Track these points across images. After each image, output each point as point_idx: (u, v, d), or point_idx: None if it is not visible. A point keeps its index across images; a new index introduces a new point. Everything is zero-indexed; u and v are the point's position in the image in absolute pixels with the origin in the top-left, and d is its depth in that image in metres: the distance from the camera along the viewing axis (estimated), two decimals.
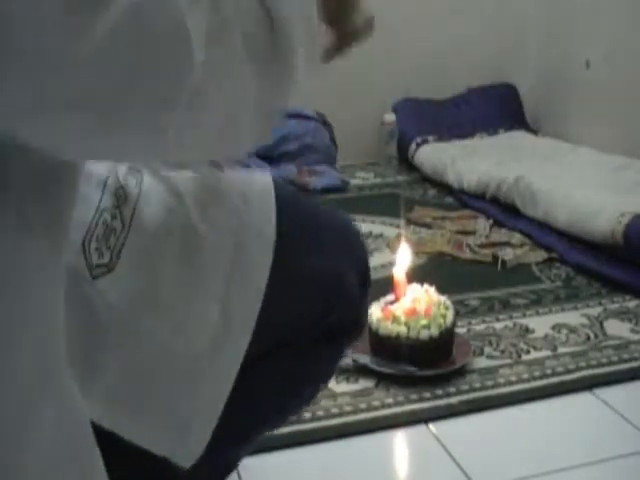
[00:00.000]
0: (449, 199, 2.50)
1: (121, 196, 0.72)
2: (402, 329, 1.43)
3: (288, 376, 0.86)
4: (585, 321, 1.67)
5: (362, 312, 0.92)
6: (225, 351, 0.74)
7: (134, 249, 0.71)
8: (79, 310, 0.67)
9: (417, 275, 1.62)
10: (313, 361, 0.88)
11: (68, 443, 0.56)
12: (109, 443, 0.65)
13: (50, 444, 0.53)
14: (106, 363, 0.70)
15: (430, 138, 2.76)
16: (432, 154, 2.66)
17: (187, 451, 0.74)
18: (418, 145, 2.73)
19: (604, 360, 1.50)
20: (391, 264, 1.57)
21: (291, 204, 0.83)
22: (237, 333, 0.75)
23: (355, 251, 0.88)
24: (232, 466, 0.95)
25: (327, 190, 2.53)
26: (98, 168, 0.71)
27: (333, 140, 2.74)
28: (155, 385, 0.73)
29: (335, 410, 1.34)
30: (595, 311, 1.72)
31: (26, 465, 0.51)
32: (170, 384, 0.73)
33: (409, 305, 1.46)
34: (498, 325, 1.66)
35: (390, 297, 1.50)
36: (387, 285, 1.54)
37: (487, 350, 1.55)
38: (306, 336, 0.84)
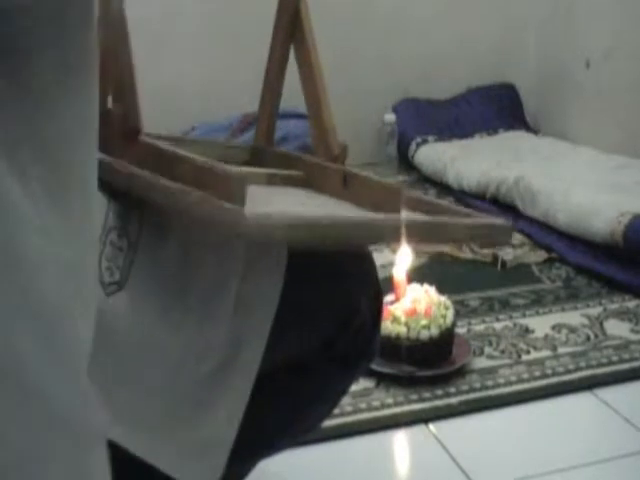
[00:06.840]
0: (449, 199, 2.49)
1: (124, 216, 0.72)
2: (402, 329, 1.43)
3: (298, 396, 0.86)
4: (585, 321, 1.67)
5: (374, 335, 0.90)
6: (237, 370, 0.74)
7: (142, 267, 0.71)
8: (96, 327, 0.66)
9: (417, 275, 1.61)
10: (323, 383, 0.87)
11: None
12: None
13: None
14: (123, 380, 0.70)
15: (430, 138, 2.76)
16: (432, 154, 2.66)
17: (206, 476, 0.73)
18: (418, 145, 2.73)
19: (604, 360, 1.50)
20: (391, 264, 1.57)
21: None
22: (248, 352, 0.74)
23: (367, 274, 0.87)
24: None
25: None
26: None
27: None
28: (171, 404, 0.72)
29: (335, 410, 1.34)
30: (595, 311, 1.72)
31: None
32: (185, 404, 0.73)
33: (409, 305, 1.46)
34: (498, 325, 1.66)
35: (390, 297, 1.50)
36: (387, 285, 1.54)
37: (487, 350, 1.55)
38: (317, 357, 0.84)
